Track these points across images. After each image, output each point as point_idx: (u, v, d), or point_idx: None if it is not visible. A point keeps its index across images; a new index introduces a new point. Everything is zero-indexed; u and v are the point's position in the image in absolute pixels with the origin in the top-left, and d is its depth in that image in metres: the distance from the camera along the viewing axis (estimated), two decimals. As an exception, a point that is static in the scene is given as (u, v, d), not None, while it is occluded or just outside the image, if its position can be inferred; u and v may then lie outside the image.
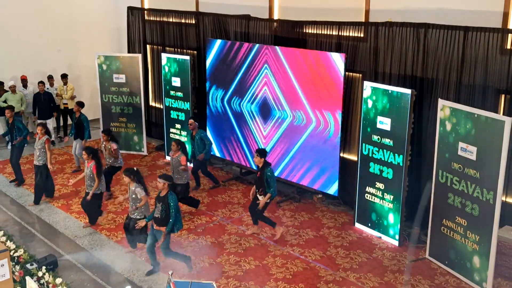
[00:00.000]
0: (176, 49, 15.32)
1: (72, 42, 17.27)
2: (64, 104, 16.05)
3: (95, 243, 10.33)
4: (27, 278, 8.52)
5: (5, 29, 15.91)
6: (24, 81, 15.97)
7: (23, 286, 8.59)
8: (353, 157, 11.55)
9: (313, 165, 11.72)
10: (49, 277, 8.62)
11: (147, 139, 15.50)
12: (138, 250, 9.91)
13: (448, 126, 8.97)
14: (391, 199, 10.10)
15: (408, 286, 8.89)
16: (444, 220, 9.26)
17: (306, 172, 11.90)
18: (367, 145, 10.38)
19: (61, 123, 16.58)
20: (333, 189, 11.47)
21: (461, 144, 8.73)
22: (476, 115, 8.45)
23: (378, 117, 10.10)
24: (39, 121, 14.09)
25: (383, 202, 10.26)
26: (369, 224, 10.60)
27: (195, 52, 14.76)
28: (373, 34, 10.77)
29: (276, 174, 12.16)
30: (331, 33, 11.53)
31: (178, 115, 14.35)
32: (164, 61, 14.35)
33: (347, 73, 11.11)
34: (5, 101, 15.21)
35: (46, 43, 16.68)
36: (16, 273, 8.74)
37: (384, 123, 10.00)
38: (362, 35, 11.06)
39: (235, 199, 12.23)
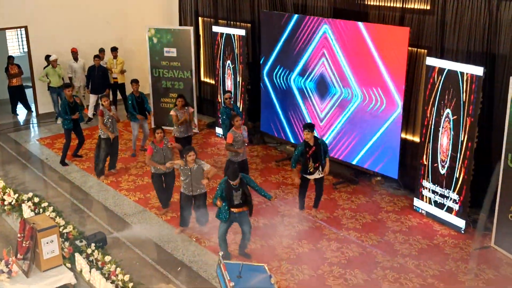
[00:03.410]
0: (229, 22, 15.42)
1: (122, 15, 17.61)
2: (113, 78, 16.41)
3: (145, 221, 10.65)
4: (76, 254, 8.92)
5: (55, 2, 16.35)
6: (74, 53, 16.34)
7: (72, 262, 8.97)
8: (415, 139, 11.47)
9: (372, 146, 11.71)
10: (98, 254, 8.95)
11: (198, 116, 15.73)
12: (189, 230, 10.17)
13: (520, 106, 8.81)
14: None
15: (471, 275, 8.85)
16: (512, 206, 9.16)
17: (365, 154, 11.89)
18: None
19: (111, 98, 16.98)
20: (393, 172, 11.44)
21: (534, 126, 8.58)
22: (551, 95, 8.26)
23: None
24: (101, 95, 14.53)
25: None
26: None
27: (249, 25, 14.83)
28: (440, 7, 10.59)
29: (333, 155, 12.23)
30: (394, 5, 11.40)
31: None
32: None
33: (410, 48, 11.00)
34: (46, 77, 15.68)
35: (95, 16, 17.07)
36: (66, 250, 9.09)
37: None
38: (428, 8, 10.89)
39: (288, 180, 12.33)
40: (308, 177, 10.40)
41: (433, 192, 10.48)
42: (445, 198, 10.26)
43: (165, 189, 10.87)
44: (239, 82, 14.29)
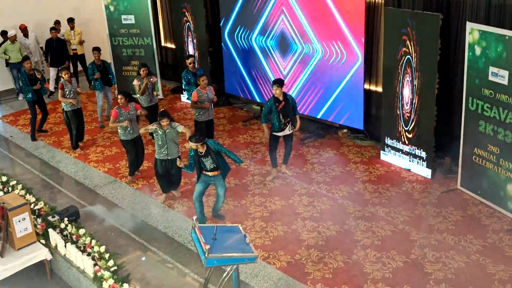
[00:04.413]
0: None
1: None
2: (73, 50, 16.09)
3: (116, 191, 10.61)
4: (50, 230, 8.89)
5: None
6: (24, 30, 15.88)
7: (47, 238, 8.94)
8: (378, 89, 11.54)
9: (336, 99, 11.77)
10: (72, 228, 8.94)
11: (161, 82, 15.57)
12: (159, 196, 10.19)
13: (478, 51, 8.90)
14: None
15: (440, 218, 9.07)
16: (475, 148, 9.33)
17: (329, 107, 11.96)
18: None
19: (71, 70, 16.67)
20: (358, 123, 11.54)
21: (492, 69, 8.70)
22: (507, 37, 8.35)
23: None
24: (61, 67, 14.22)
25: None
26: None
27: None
28: (394, -45, 10.57)
29: (298, 110, 12.22)
30: (349, -44, 11.33)
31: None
32: None
33: (368, -1, 11.01)
34: (5, 52, 15.28)
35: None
36: (38, 226, 9.07)
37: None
38: (382, -43, 10.86)
39: (257, 139, 12.38)
40: (279, 134, 10.39)
41: (399, 140, 10.62)
42: (410, 145, 10.41)
43: (138, 154, 10.85)
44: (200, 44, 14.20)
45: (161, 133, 9.62)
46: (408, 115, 10.29)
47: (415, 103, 10.10)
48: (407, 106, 10.28)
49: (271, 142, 10.56)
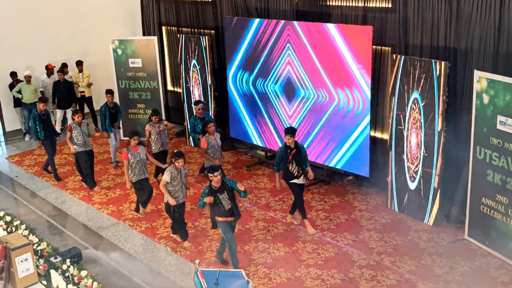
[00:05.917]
0: (192, 29, 15.30)
1: (85, 28, 17.27)
2: (80, 92, 16.15)
3: (119, 234, 10.45)
4: (52, 271, 8.73)
5: (16, 18, 15.99)
6: (50, 69, 16.13)
7: (48, 279, 8.77)
8: (384, 136, 11.47)
9: (342, 146, 11.67)
10: (74, 270, 8.78)
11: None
12: (163, 239, 10.02)
13: (486, 99, 8.84)
14: None
15: (447, 268, 8.85)
16: (483, 198, 9.17)
17: (335, 154, 11.86)
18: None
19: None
20: (364, 170, 11.41)
21: (500, 118, 8.61)
22: (515, 86, 8.31)
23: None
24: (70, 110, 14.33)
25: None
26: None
27: (213, 31, 14.73)
28: (401, 4, 10.59)
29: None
30: (356, 4, 11.41)
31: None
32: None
33: (375, 47, 11.00)
34: (19, 92, 15.34)
35: (58, 31, 16.73)
36: (41, 267, 8.93)
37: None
38: (389, 6, 10.92)
39: (261, 184, 12.25)
40: (296, 181, 10.11)
41: (405, 188, 10.48)
42: (417, 194, 10.26)
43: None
44: (210, 88, 14.21)
45: (175, 174, 9.55)
46: (415, 163, 10.15)
47: (423, 152, 9.94)
48: (414, 154, 10.15)
49: (295, 193, 10.19)
